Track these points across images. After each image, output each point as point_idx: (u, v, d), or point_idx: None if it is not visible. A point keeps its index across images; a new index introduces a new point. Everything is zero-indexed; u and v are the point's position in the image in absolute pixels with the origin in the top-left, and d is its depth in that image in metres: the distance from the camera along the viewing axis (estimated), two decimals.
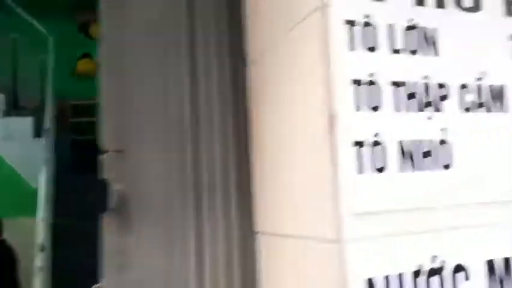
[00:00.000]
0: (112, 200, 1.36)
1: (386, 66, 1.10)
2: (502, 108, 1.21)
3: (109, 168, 1.46)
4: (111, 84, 1.50)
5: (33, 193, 3.75)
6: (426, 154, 1.11)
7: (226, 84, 1.51)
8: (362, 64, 1.08)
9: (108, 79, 1.52)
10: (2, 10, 3.99)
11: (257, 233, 1.46)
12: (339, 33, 1.07)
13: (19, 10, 3.97)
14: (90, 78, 4.17)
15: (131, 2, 1.52)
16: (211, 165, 1.42)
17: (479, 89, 1.18)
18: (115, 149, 1.44)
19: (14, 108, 4.23)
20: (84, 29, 4.80)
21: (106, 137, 1.49)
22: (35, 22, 4.02)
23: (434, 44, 1.15)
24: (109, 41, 1.53)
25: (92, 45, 4.30)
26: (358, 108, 1.06)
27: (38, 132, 4.07)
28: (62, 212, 3.58)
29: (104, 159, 1.46)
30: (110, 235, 1.40)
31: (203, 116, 1.44)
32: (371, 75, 1.08)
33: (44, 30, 4.14)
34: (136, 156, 1.44)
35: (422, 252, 1.06)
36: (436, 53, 1.15)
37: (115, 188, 1.38)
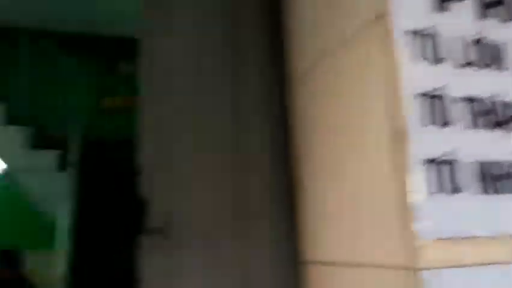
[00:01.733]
0: (152, 221, 1.26)
1: (453, 81, 1.01)
2: None
3: (149, 188, 1.35)
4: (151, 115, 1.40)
5: (53, 226, 3.69)
6: (506, 176, 1.00)
7: (269, 107, 1.45)
8: (427, 77, 1.00)
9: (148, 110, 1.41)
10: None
11: (305, 262, 1.34)
12: (401, 44, 0.99)
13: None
14: (116, 113, 4.20)
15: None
16: (259, 193, 1.33)
17: None
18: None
19: (41, 141, 4.25)
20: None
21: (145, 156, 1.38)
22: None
23: (502, 59, 1.07)
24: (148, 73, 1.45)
25: (119, 81, 4.34)
26: (425, 124, 0.97)
27: (63, 166, 4.06)
28: (85, 242, 3.51)
29: (143, 179, 1.36)
30: (150, 258, 1.27)
31: (252, 144, 1.38)
32: (438, 89, 1.00)
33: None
34: (182, 179, 1.35)
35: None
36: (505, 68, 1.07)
37: (158, 209, 1.28)
